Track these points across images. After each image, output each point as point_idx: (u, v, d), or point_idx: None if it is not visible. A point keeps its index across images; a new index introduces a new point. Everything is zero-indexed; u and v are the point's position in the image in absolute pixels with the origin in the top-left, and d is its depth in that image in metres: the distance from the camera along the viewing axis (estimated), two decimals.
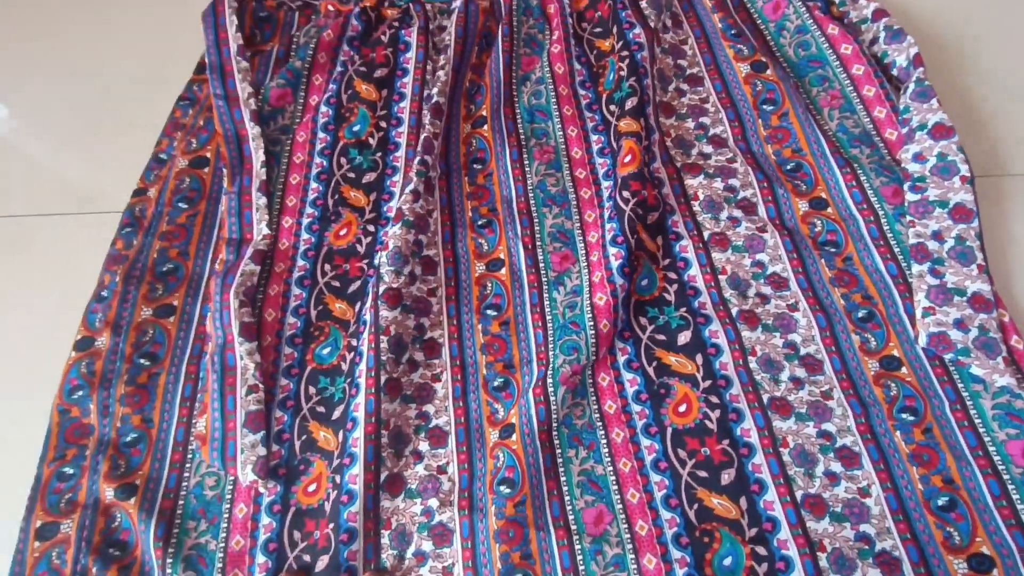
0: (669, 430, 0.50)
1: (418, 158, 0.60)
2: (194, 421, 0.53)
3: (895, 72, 0.59)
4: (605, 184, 0.59)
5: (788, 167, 0.58)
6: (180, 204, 0.62)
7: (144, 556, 0.49)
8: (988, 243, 0.54)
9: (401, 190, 0.61)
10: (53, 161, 0.74)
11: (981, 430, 0.48)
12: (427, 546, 0.48)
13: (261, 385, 0.52)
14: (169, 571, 0.47)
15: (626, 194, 0.56)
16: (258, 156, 0.63)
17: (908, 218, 0.53)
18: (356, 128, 0.65)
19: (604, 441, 0.50)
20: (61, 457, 0.52)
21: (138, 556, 0.49)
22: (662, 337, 0.53)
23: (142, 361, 0.55)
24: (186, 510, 0.50)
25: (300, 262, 0.59)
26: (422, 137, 0.61)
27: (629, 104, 0.59)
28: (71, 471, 0.52)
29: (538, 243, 0.58)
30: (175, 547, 0.49)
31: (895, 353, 0.51)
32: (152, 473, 0.51)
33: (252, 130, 0.64)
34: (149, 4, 0.81)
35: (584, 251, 0.57)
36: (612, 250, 0.55)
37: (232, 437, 0.50)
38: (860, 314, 0.52)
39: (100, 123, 0.74)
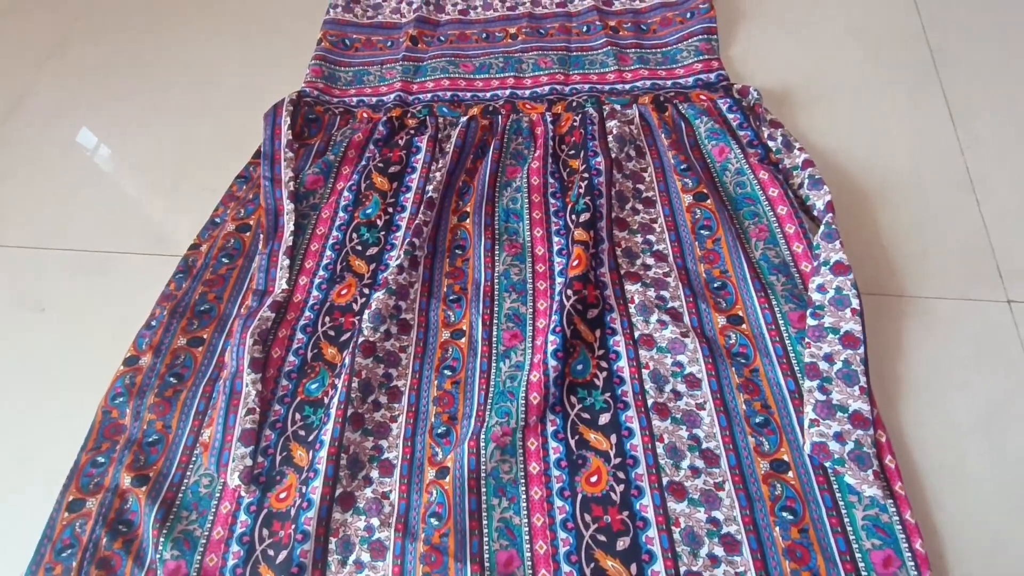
0: (579, 496, 0.55)
1: (408, 240, 0.70)
2: (203, 431, 0.63)
3: (815, 213, 0.65)
4: (559, 280, 0.66)
5: (714, 285, 0.64)
6: (223, 259, 0.74)
7: (143, 534, 0.58)
8: (883, 357, 0.60)
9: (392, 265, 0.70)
10: (139, 204, 0.87)
11: (851, 537, 0.51)
12: (365, 557, 0.55)
13: (258, 409, 0.62)
14: (161, 548, 0.57)
15: (570, 292, 0.64)
16: (289, 227, 0.75)
17: (806, 340, 0.58)
18: (369, 211, 0.75)
19: (524, 496, 0.56)
20: (97, 448, 0.63)
21: (139, 534, 0.58)
22: (587, 416, 0.59)
23: (171, 379, 0.66)
24: (183, 502, 0.60)
25: (307, 313, 0.69)
26: (415, 224, 0.70)
27: (583, 218, 0.68)
28: (103, 460, 0.63)
29: (495, 321, 0.66)
30: (168, 530, 0.58)
31: (785, 458, 0.56)
32: (163, 469, 0.61)
33: (287, 206, 0.76)
34: (238, 92, 0.96)
35: (531, 334, 0.65)
36: (551, 337, 0.62)
37: (228, 448, 0.60)
38: (758, 419, 0.57)
39: (182, 180, 0.87)
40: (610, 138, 0.75)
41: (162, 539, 0.57)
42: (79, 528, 0.59)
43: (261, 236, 0.75)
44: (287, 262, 0.72)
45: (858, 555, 0.50)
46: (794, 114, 0.77)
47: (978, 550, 0.52)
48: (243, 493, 0.58)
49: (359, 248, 0.73)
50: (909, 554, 0.49)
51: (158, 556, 0.56)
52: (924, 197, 0.70)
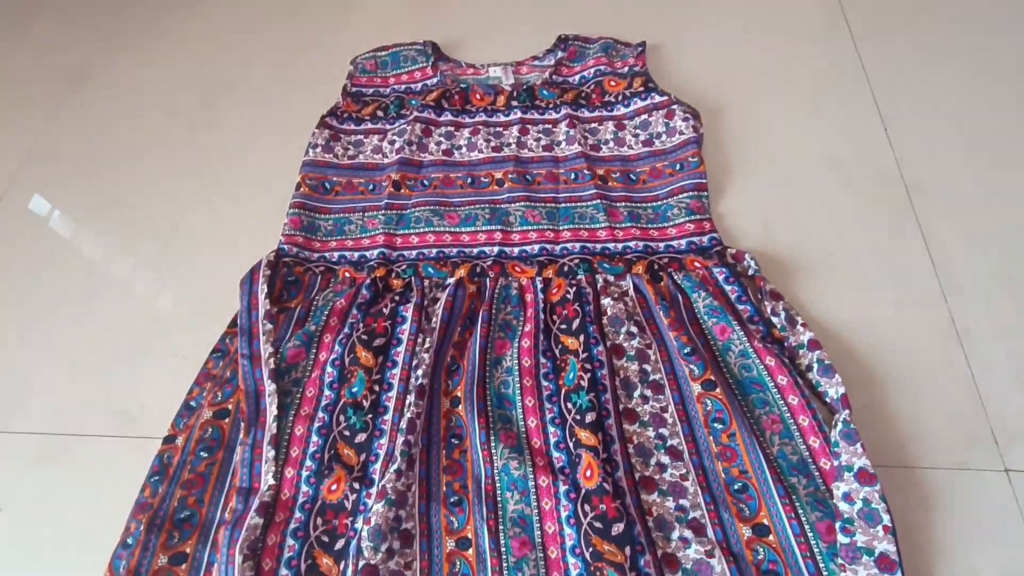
0: None
1: (402, 439, 0.61)
2: None
3: (827, 400, 0.61)
4: (562, 482, 0.59)
5: (735, 487, 0.58)
6: (202, 453, 0.64)
7: None
8: (909, 536, 0.56)
9: (385, 459, 0.62)
10: (102, 376, 0.74)
11: None
12: None
13: None
14: None
15: (587, 507, 0.57)
16: (272, 411, 0.65)
17: (840, 560, 0.52)
18: (355, 390, 0.67)
19: None
20: None
21: None
22: None
23: None
24: None
25: (297, 514, 0.60)
26: (406, 418, 0.63)
27: (589, 418, 0.61)
28: None
29: (501, 527, 0.59)
30: None
31: None
32: None
33: (269, 387, 0.67)
34: (211, 248, 0.85)
35: (541, 540, 0.57)
36: (571, 559, 0.55)
37: None
38: None
39: (149, 346, 0.76)
40: (604, 319, 0.68)
41: None
42: None
43: (242, 424, 0.64)
44: (272, 453, 0.62)
45: None
46: (787, 278, 0.72)
47: None
48: None
49: (347, 434, 0.64)
50: None
51: None
52: (913, 356, 0.67)
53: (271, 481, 0.61)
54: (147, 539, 0.58)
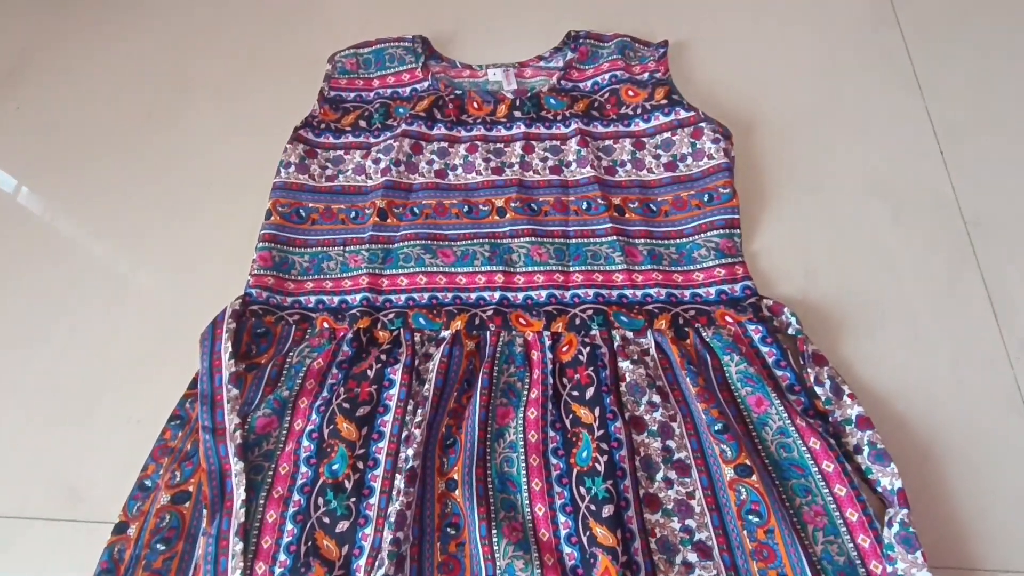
0: None
1: (390, 535, 0.53)
2: None
3: (879, 489, 0.54)
4: None
5: None
6: (158, 546, 0.56)
7: None
8: None
9: (370, 554, 0.54)
10: (44, 445, 0.66)
11: None
12: None
13: None
14: None
15: None
16: (239, 494, 0.57)
17: None
18: (335, 467, 0.59)
19: None
20: None
21: None
22: None
23: None
24: None
25: None
26: (395, 509, 0.55)
27: (606, 511, 0.54)
28: None
29: None
30: None
31: None
32: None
33: (236, 466, 0.58)
34: (166, 291, 0.76)
35: None
36: None
37: None
38: None
39: (94, 413, 0.67)
40: (622, 387, 0.60)
41: None
42: None
43: (205, 510, 0.56)
44: (240, 546, 0.55)
45: None
46: (830, 334, 0.64)
47: None
48: None
49: (326, 521, 0.56)
50: None
51: None
52: (975, 430, 0.60)
53: None
54: None
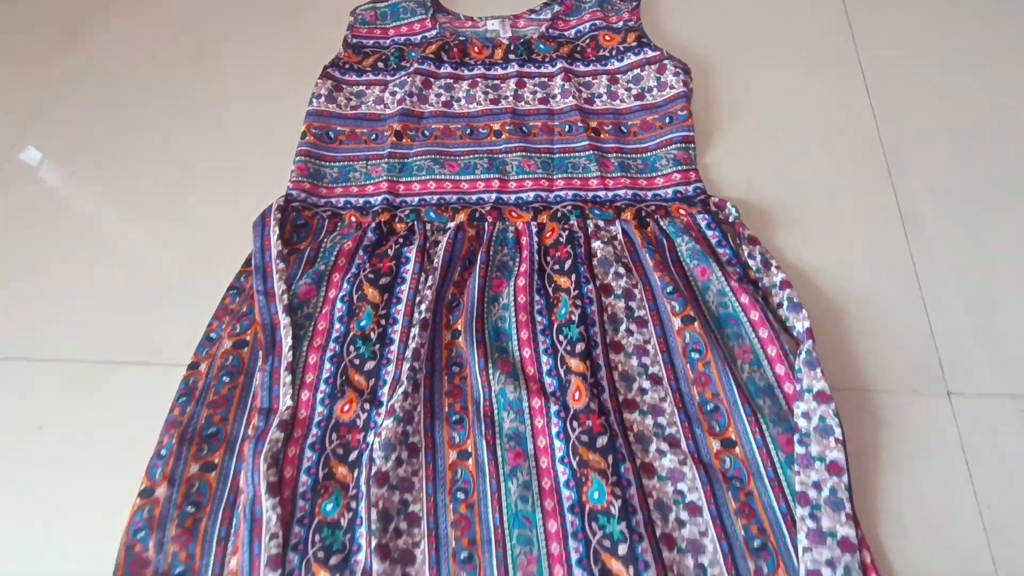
0: None
1: (408, 365, 0.69)
2: (228, 559, 0.62)
3: (794, 333, 0.69)
4: (553, 403, 0.67)
5: (708, 408, 0.66)
6: (224, 378, 0.71)
7: None
8: (858, 453, 0.65)
9: (392, 383, 0.70)
10: (127, 313, 0.82)
11: None
12: None
13: (280, 533, 0.61)
14: None
15: (575, 423, 0.64)
16: (287, 341, 0.72)
17: (796, 467, 0.61)
18: (363, 323, 0.74)
19: None
20: None
21: None
22: (607, 543, 0.60)
23: (189, 508, 0.64)
24: None
25: (314, 430, 0.68)
26: (411, 348, 0.70)
27: (578, 348, 0.69)
28: None
29: (497, 441, 0.67)
30: None
31: None
32: None
33: (284, 320, 0.74)
34: (221, 195, 0.91)
35: (533, 452, 0.66)
36: (560, 467, 0.64)
37: (256, 574, 0.59)
38: (756, 544, 0.60)
39: (168, 288, 0.84)
40: (595, 261, 0.76)
41: None
42: None
43: (260, 352, 0.72)
44: (289, 378, 0.70)
45: None
46: (766, 227, 0.80)
47: None
48: None
49: (356, 362, 0.72)
50: None
51: None
52: (875, 297, 0.75)
53: (289, 403, 0.68)
54: (179, 450, 0.66)
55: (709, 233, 0.77)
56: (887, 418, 0.68)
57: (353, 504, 0.63)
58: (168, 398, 0.70)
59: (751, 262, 0.74)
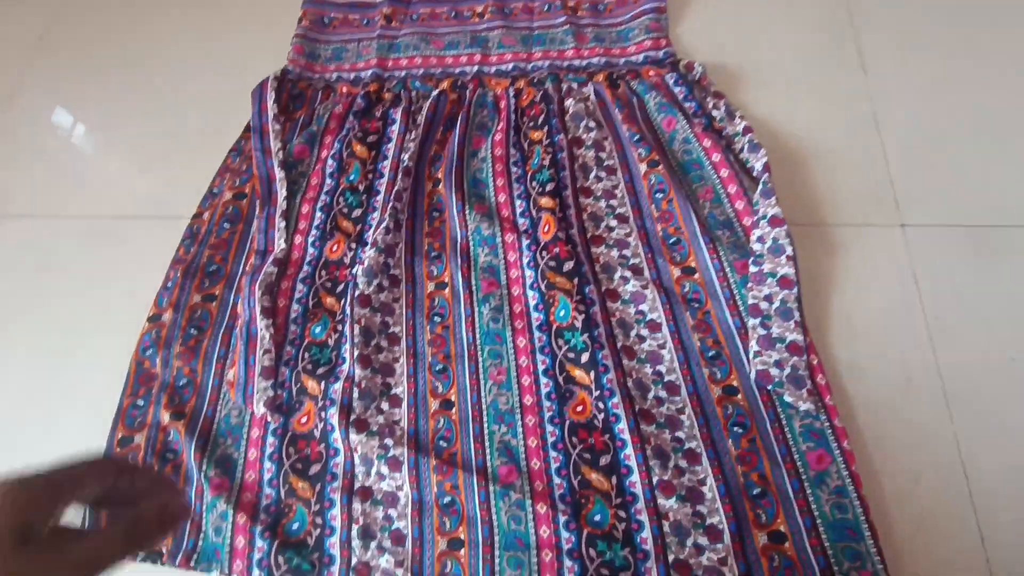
0: (568, 422, 0.62)
1: (391, 204, 0.75)
2: (226, 372, 0.69)
3: (754, 174, 0.72)
4: (525, 239, 0.72)
5: (670, 241, 0.71)
6: (225, 224, 0.79)
7: (188, 459, 0.65)
8: (812, 280, 0.68)
9: (378, 225, 0.75)
10: (140, 176, 0.91)
11: (791, 443, 0.59)
12: (384, 469, 0.62)
13: (272, 349, 0.68)
14: (205, 468, 0.63)
15: (544, 253, 0.70)
16: (281, 192, 0.80)
17: (749, 284, 0.65)
18: (352, 177, 0.80)
19: (520, 423, 0.63)
20: (135, 394, 0.70)
21: (184, 459, 0.65)
22: (571, 355, 0.65)
23: (192, 331, 0.72)
24: (218, 431, 0.67)
25: (305, 267, 0.75)
26: (395, 189, 0.76)
27: (548, 187, 0.74)
28: (142, 403, 0.69)
29: (472, 272, 0.72)
30: (209, 454, 0.65)
31: (734, 383, 0.63)
32: (196, 406, 0.68)
33: (279, 174, 0.81)
34: (224, 71, 0.98)
35: (506, 281, 0.71)
36: (530, 293, 0.69)
37: (251, 383, 0.66)
38: (711, 354, 0.64)
39: (175, 153, 0.92)
40: (567, 117, 0.80)
41: (204, 462, 0.64)
42: (132, 458, 0.65)
43: (258, 202, 0.79)
44: (283, 224, 0.77)
45: (796, 456, 0.59)
46: (733, 86, 0.83)
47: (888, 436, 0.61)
48: (269, 419, 0.65)
49: (345, 211, 0.78)
50: (839, 451, 0.58)
51: (202, 475, 0.63)
52: (838, 142, 0.78)
53: (283, 245, 0.75)
54: (183, 283, 0.74)
55: (676, 89, 0.81)
56: (842, 248, 0.71)
57: (339, 327, 0.70)
58: (175, 244, 0.77)
59: (715, 112, 0.78)
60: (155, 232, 0.81)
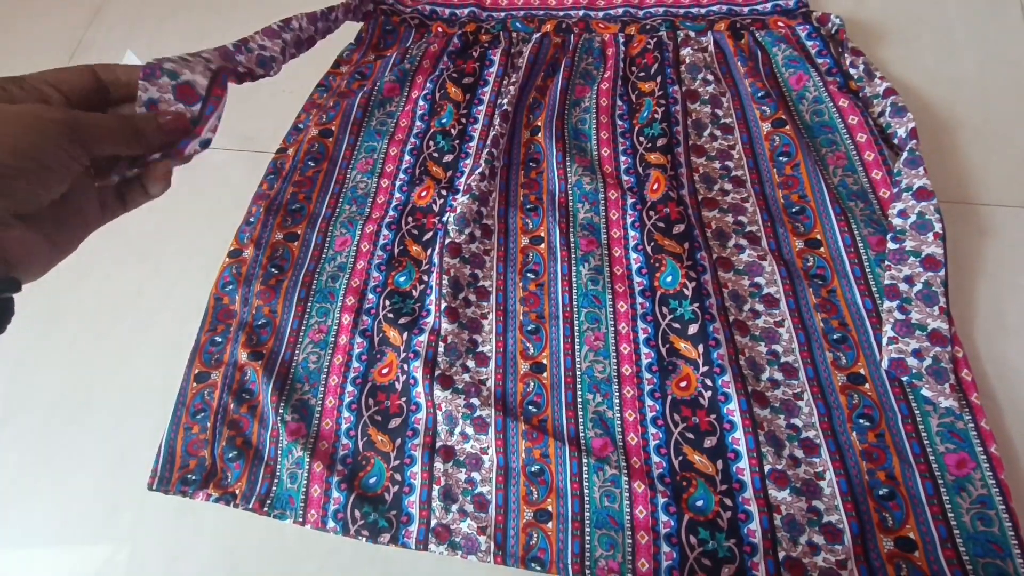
0: (670, 398, 0.57)
1: (487, 149, 0.70)
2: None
3: (896, 141, 0.65)
4: (630, 196, 0.67)
5: (793, 210, 0.64)
6: (309, 162, 0.75)
7: (264, 401, 0.62)
8: (959, 265, 0.61)
9: (470, 171, 0.71)
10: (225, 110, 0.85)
11: (926, 442, 0.52)
12: (469, 430, 0.58)
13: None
14: (282, 411, 0.61)
15: (651, 213, 0.64)
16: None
17: (887, 263, 0.58)
18: (444, 120, 0.75)
19: (617, 394, 0.57)
20: (213, 330, 0.67)
21: (260, 400, 0.62)
22: (677, 326, 0.59)
23: (273, 270, 0.69)
24: (296, 375, 0.63)
25: (391, 212, 0.71)
26: (491, 134, 0.70)
27: (660, 143, 0.68)
28: (220, 340, 0.66)
29: (571, 229, 0.67)
30: (286, 399, 0.62)
31: (861, 371, 0.56)
32: (274, 348, 0.65)
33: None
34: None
35: (607, 241, 0.66)
36: (633, 255, 0.64)
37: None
38: (835, 336, 0.58)
39: (259, 84, 0.86)
40: (682, 68, 0.73)
41: (282, 405, 0.61)
42: (208, 396, 0.63)
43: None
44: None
45: (932, 457, 0.52)
46: (872, 44, 0.74)
47: None
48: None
49: (435, 155, 0.73)
50: (984, 456, 0.51)
51: (279, 419, 0.60)
52: (994, 110, 0.69)
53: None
54: (266, 219, 0.71)
55: (809, 43, 0.73)
56: (994, 232, 0.63)
57: (425, 278, 0.66)
58: (256, 179, 0.74)
59: (853, 71, 0.69)
60: (240, 163, 0.78)
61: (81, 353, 0.70)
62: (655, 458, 0.55)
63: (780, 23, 0.74)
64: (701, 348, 0.58)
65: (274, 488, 0.58)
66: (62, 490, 0.63)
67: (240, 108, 0.83)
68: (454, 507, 0.55)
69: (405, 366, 0.61)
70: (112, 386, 0.68)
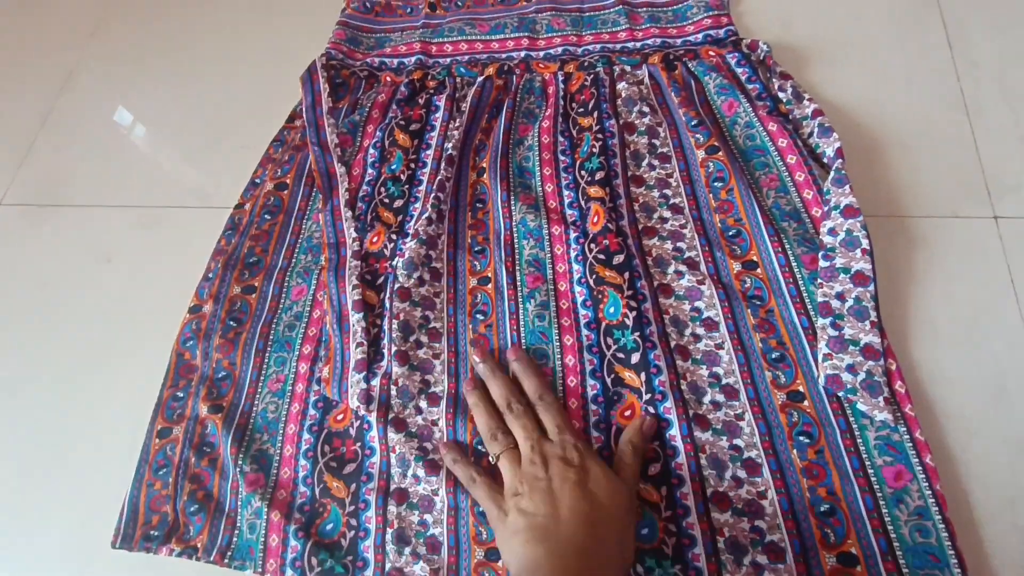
0: (614, 428, 0.59)
1: (434, 194, 0.72)
2: (318, 368, 0.67)
3: (825, 160, 0.67)
4: (573, 231, 0.69)
5: (729, 233, 0.66)
6: (265, 216, 0.78)
7: (223, 453, 0.64)
8: (892, 277, 0.63)
9: (418, 216, 0.73)
10: (184, 167, 0.91)
11: (864, 456, 0.53)
12: (421, 472, 0.60)
13: (365, 343, 0.65)
14: (240, 463, 0.62)
15: (592, 245, 0.66)
16: (343, 184, 0.78)
17: (819, 280, 0.59)
18: (393, 167, 0.78)
19: None
20: (175, 385, 0.69)
21: (220, 453, 0.64)
22: (621, 355, 0.61)
23: (231, 323, 0.71)
24: (255, 426, 0.65)
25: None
26: (437, 179, 0.73)
27: (598, 176, 0.70)
28: (181, 395, 0.68)
29: (517, 267, 0.69)
30: (245, 449, 0.63)
31: (800, 389, 0.57)
32: (233, 400, 0.67)
33: (339, 169, 0.79)
34: (264, 61, 0.98)
35: (552, 276, 0.67)
36: (577, 288, 0.65)
37: (347, 378, 0.64)
38: (774, 355, 0.59)
39: (219, 142, 0.92)
40: (619, 101, 0.76)
41: (240, 456, 0.63)
42: (170, 451, 0.65)
43: (319, 197, 0.78)
44: (349, 213, 0.75)
45: (870, 471, 0.53)
46: (801, 67, 0.77)
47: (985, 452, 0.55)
48: (363, 412, 0.63)
49: (386, 201, 0.75)
50: (920, 468, 0.52)
51: (238, 470, 0.62)
52: (921, 126, 0.71)
53: (354, 234, 0.73)
54: (224, 274, 0.73)
55: (739, 71, 0.75)
56: (925, 243, 0.64)
57: (378, 321, 0.67)
58: (217, 234, 0.77)
59: (782, 95, 0.72)
60: (200, 220, 0.81)
61: (48, 411, 0.72)
62: None
63: (711, 52, 0.77)
64: (643, 376, 0.59)
65: (235, 539, 0.60)
66: (28, 552, 0.65)
67: (200, 166, 0.88)
68: (407, 550, 0.57)
69: (359, 411, 0.63)
70: (79, 445, 0.70)
